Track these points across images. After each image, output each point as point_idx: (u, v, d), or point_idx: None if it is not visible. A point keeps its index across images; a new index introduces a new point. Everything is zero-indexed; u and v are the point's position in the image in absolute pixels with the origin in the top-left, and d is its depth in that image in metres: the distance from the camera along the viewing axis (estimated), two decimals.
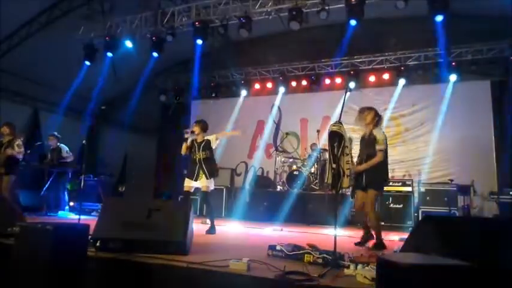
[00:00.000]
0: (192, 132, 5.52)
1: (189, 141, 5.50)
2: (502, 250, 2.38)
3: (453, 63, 8.71)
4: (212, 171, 5.52)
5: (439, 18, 6.57)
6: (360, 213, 4.95)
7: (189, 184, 5.49)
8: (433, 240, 2.54)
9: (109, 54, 8.37)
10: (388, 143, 4.61)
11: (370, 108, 4.65)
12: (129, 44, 8.26)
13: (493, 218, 6.03)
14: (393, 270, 1.68)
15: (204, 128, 5.60)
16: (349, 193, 7.94)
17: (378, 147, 4.40)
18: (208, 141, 5.51)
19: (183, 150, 5.56)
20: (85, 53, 8.43)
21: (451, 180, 7.62)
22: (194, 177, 5.46)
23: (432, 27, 7.33)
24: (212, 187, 5.58)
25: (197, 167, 5.45)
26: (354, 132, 4.76)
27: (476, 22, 8.14)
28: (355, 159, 4.57)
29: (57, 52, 8.57)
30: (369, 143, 4.50)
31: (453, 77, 8.76)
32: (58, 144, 7.68)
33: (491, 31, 8.10)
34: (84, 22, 8.45)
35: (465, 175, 7.96)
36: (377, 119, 4.56)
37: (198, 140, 5.52)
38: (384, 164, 4.51)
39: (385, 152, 4.49)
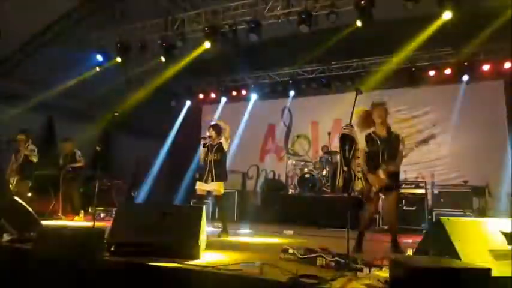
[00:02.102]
0: (210, 137, 5.57)
1: (206, 147, 5.58)
2: None
3: (465, 63, 8.62)
4: (221, 174, 5.53)
5: (448, 16, 6.52)
6: (370, 219, 4.80)
7: (201, 187, 5.54)
8: (447, 243, 2.52)
9: (121, 60, 8.49)
10: None
11: (384, 104, 4.39)
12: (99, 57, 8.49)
13: (504, 220, 5.92)
14: (407, 273, 1.68)
15: (219, 131, 5.63)
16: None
17: (401, 147, 4.27)
18: (221, 144, 5.56)
19: (202, 157, 5.64)
20: (97, 60, 8.59)
21: (466, 182, 7.52)
22: (204, 179, 5.50)
23: (443, 27, 7.26)
24: (223, 190, 5.59)
25: (207, 169, 5.50)
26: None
27: (488, 21, 8.03)
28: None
29: (70, 60, 8.74)
30: (390, 142, 4.25)
31: (465, 77, 8.66)
32: (74, 149, 7.82)
33: (503, 30, 7.97)
34: (95, 30, 8.61)
35: (480, 176, 7.84)
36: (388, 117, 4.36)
37: (214, 143, 5.58)
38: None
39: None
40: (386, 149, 4.25)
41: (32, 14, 7.94)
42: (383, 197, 4.42)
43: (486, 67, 8.47)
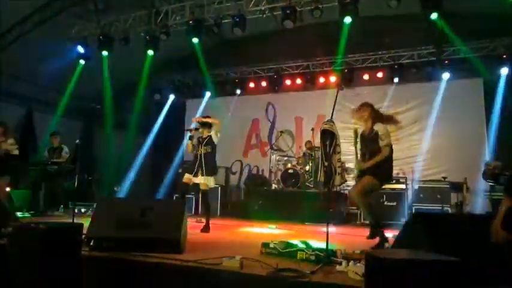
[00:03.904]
0: (196, 129, 5.55)
1: (194, 140, 5.56)
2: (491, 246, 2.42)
3: (446, 61, 8.79)
4: (211, 168, 5.50)
5: (434, 15, 6.63)
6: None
7: (189, 177, 5.49)
8: (423, 237, 2.58)
9: (104, 53, 8.34)
10: None
11: (365, 105, 4.52)
12: (81, 49, 8.37)
13: (483, 215, 6.09)
14: (380, 265, 1.72)
15: (209, 126, 5.62)
16: (343, 191, 8.07)
17: (381, 142, 4.22)
18: (211, 137, 5.55)
19: (189, 149, 5.62)
20: (79, 52, 8.42)
21: (444, 178, 7.69)
22: (194, 172, 5.47)
23: (425, 25, 7.39)
24: (211, 185, 5.56)
25: (197, 162, 5.47)
26: (358, 129, 4.57)
27: (469, 20, 8.22)
28: (344, 157, 4.46)
29: (50, 51, 8.53)
30: (370, 139, 4.33)
31: (446, 75, 8.85)
32: (61, 144, 7.68)
33: (484, 29, 8.18)
34: (78, 21, 8.42)
35: (458, 172, 8.03)
36: (373, 114, 4.43)
37: (203, 136, 5.57)
38: (389, 159, 4.32)
39: (390, 146, 4.31)
40: (365, 146, 4.41)
41: (11, 3, 7.71)
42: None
43: (465, 65, 8.65)
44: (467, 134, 8.52)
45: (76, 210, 6.02)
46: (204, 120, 5.65)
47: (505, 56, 8.31)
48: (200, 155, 5.46)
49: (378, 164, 4.22)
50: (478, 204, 7.87)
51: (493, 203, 7.22)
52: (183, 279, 2.89)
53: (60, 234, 2.67)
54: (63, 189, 7.70)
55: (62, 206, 7.57)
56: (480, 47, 8.48)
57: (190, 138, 5.58)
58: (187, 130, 5.68)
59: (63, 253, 2.63)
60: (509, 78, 8.40)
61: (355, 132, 4.54)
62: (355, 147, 4.52)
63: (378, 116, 4.45)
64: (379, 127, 4.32)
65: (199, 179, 5.45)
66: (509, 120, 8.05)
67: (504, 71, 8.39)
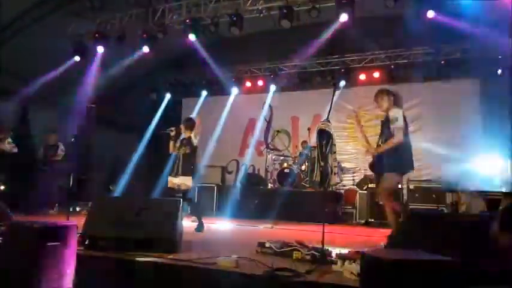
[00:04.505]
0: (176, 130, 5.58)
1: (178, 141, 5.60)
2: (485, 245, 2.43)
3: (442, 62, 8.82)
4: (188, 168, 5.51)
5: (431, 14, 6.64)
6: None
7: (172, 181, 5.53)
8: (418, 237, 2.59)
9: (99, 50, 8.30)
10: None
11: (381, 92, 4.39)
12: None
13: (478, 214, 6.13)
14: (376, 265, 1.72)
15: (190, 126, 5.65)
16: (339, 190, 8.09)
17: (392, 126, 4.05)
18: (190, 137, 5.58)
19: (171, 149, 5.67)
20: (75, 49, 8.38)
21: (440, 178, 7.72)
22: (174, 173, 5.51)
23: (422, 25, 7.40)
24: (190, 184, 5.53)
25: (176, 163, 5.53)
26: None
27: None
28: (340, 157, 4.42)
29: (46, 48, 8.48)
30: (385, 125, 4.23)
31: (442, 76, 8.87)
32: (58, 142, 7.65)
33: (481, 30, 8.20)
34: (74, 18, 8.37)
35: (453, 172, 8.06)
36: (392, 98, 4.28)
37: (184, 137, 5.62)
38: (404, 146, 4.10)
39: (404, 130, 4.10)
40: (381, 131, 4.34)
41: (7, 1, 7.66)
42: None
43: (462, 65, 8.69)
44: (463, 134, 8.54)
45: (71, 209, 5.99)
46: (186, 118, 5.73)
47: (500, 57, 8.34)
48: (180, 155, 5.52)
49: (394, 156, 4.00)
50: (473, 204, 7.90)
51: (489, 203, 7.25)
52: (179, 278, 2.89)
53: (54, 233, 2.65)
54: (58, 187, 7.66)
55: (57, 204, 7.53)
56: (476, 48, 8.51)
57: (171, 138, 5.64)
58: (169, 130, 5.67)
59: (57, 252, 2.62)
60: (505, 78, 8.44)
61: (357, 116, 4.47)
62: (362, 133, 4.47)
63: (396, 101, 4.31)
64: (392, 111, 4.18)
65: (178, 180, 5.48)
66: (504, 122, 8.09)
67: (500, 71, 8.43)
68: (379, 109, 4.50)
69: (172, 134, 5.61)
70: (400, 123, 4.05)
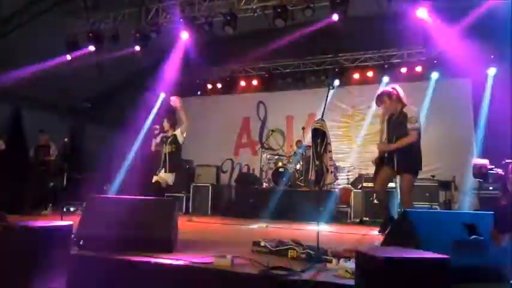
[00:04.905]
0: (162, 128, 5.57)
1: (158, 138, 5.58)
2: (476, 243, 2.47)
3: (435, 61, 8.89)
4: (174, 165, 5.49)
5: (421, 13, 6.69)
6: (380, 193, 4.67)
7: (161, 176, 5.50)
8: (412, 235, 2.61)
9: (91, 48, 8.25)
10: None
11: (382, 94, 4.46)
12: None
13: (471, 212, 6.19)
14: (370, 263, 1.74)
15: (173, 124, 5.62)
16: (334, 189, 8.12)
17: (409, 125, 4.05)
18: (175, 136, 5.53)
19: (153, 147, 5.66)
20: (68, 48, 8.32)
21: (433, 176, 7.78)
22: (160, 170, 5.49)
23: (415, 24, 7.44)
24: (170, 182, 5.51)
25: (162, 161, 5.50)
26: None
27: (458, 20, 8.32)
28: (335, 156, 4.41)
29: (39, 48, 8.42)
30: (397, 122, 4.21)
31: (435, 75, 8.95)
32: (49, 142, 7.60)
33: (473, 29, 8.27)
34: (67, 17, 8.32)
35: (447, 171, 8.14)
36: (394, 97, 4.32)
37: (168, 135, 5.58)
38: (418, 146, 4.15)
39: (419, 132, 4.14)
40: (393, 128, 4.34)
41: None
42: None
43: (454, 65, 8.76)
44: (455, 133, 8.63)
45: (65, 209, 5.95)
46: (169, 116, 5.68)
47: (492, 57, 8.43)
48: (165, 154, 5.49)
49: (412, 157, 4.07)
50: (466, 202, 7.99)
51: (481, 201, 7.34)
52: (174, 278, 2.89)
53: (49, 234, 2.64)
54: (52, 187, 7.61)
55: (50, 205, 7.48)
56: (468, 47, 8.58)
57: (155, 136, 5.61)
58: (154, 128, 5.66)
59: (52, 253, 2.60)
60: (497, 78, 8.53)
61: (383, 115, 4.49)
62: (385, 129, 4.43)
63: (399, 97, 4.37)
64: (408, 109, 4.20)
65: (160, 176, 5.45)
66: (496, 120, 8.17)
67: (492, 71, 8.52)
68: (385, 111, 4.52)
69: (156, 132, 5.59)
70: (419, 123, 4.13)
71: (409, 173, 4.12)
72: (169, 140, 5.53)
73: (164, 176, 5.44)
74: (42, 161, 7.45)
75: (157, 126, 5.63)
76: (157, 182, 5.49)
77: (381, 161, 4.35)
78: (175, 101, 5.46)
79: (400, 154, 4.12)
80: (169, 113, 5.88)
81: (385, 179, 4.41)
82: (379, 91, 4.62)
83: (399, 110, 4.31)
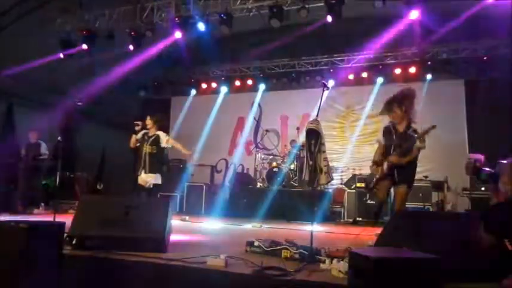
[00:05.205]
0: (144, 125, 5.45)
1: (139, 134, 5.44)
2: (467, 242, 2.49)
3: (429, 62, 8.95)
4: (155, 167, 5.38)
5: (414, 15, 6.73)
6: (382, 200, 4.77)
7: (140, 178, 5.40)
8: (405, 235, 2.63)
9: (84, 46, 8.19)
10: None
11: (390, 104, 4.42)
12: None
13: (463, 213, 6.24)
14: (363, 263, 1.75)
15: (158, 123, 5.52)
16: (327, 190, 8.14)
17: (420, 144, 4.18)
18: (158, 137, 5.42)
19: (132, 143, 5.49)
20: (61, 46, 8.25)
21: (426, 177, 7.83)
22: (138, 171, 5.38)
23: (408, 26, 7.50)
24: (157, 182, 5.42)
25: (142, 161, 5.37)
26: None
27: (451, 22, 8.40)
28: (329, 156, 4.40)
29: (32, 45, 8.34)
30: (406, 137, 4.27)
31: (429, 76, 9.01)
32: (38, 140, 7.51)
33: (466, 32, 8.35)
34: (61, 15, 8.24)
35: (439, 172, 8.19)
36: (404, 108, 4.30)
37: (150, 134, 5.45)
38: (416, 162, 4.39)
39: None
40: (400, 144, 4.32)
41: None
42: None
43: (448, 67, 8.85)
44: (448, 134, 8.68)
45: (57, 208, 5.90)
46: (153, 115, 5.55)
47: (485, 58, 8.51)
48: (145, 153, 5.36)
49: (412, 171, 4.31)
50: (458, 202, 8.06)
51: (473, 202, 7.40)
52: (167, 278, 2.88)
53: (41, 233, 2.62)
54: (44, 186, 7.56)
55: (43, 203, 7.43)
56: (462, 49, 8.68)
57: (135, 133, 5.47)
58: (135, 124, 5.52)
59: (44, 252, 2.58)
60: (489, 79, 8.60)
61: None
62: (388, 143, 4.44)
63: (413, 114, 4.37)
64: (421, 128, 4.27)
65: (146, 176, 5.34)
66: (489, 121, 8.25)
67: (484, 72, 8.60)
68: (391, 119, 4.49)
69: (137, 128, 5.45)
70: (425, 144, 4.20)
71: (408, 184, 4.33)
72: (151, 139, 5.40)
73: (150, 177, 5.33)
74: (34, 159, 7.36)
75: (139, 122, 5.47)
76: (141, 184, 5.38)
77: (389, 172, 4.38)
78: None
79: (403, 167, 4.28)
80: (155, 111, 5.75)
81: (388, 188, 4.52)
82: (389, 99, 4.53)
83: (407, 124, 4.35)
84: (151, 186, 5.37)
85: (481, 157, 6.35)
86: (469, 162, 6.65)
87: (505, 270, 2.34)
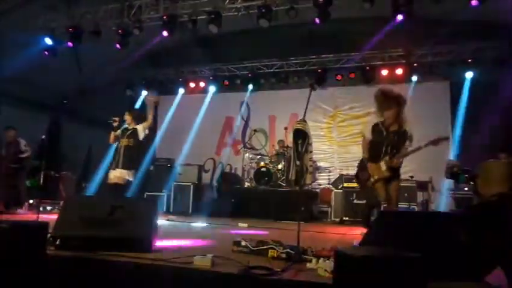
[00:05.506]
0: (122, 120, 5.42)
1: (118, 131, 5.41)
2: (453, 241, 2.53)
3: (415, 64, 9.09)
4: (128, 161, 5.29)
5: (400, 17, 6.82)
6: (371, 206, 4.83)
7: (111, 174, 5.32)
8: (391, 234, 2.66)
9: (70, 45, 8.06)
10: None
11: (389, 101, 4.41)
12: (48, 41, 8.03)
13: (446, 212, 6.35)
14: (348, 262, 1.77)
15: (137, 118, 5.48)
16: (315, 189, 8.20)
17: (408, 144, 4.35)
18: (136, 130, 5.38)
19: (111, 139, 5.45)
20: (46, 44, 8.11)
21: (412, 177, 7.94)
22: (114, 166, 5.30)
23: (396, 28, 7.59)
24: (130, 178, 5.35)
25: (117, 154, 5.33)
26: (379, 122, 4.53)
27: (438, 25, 8.56)
28: (316, 156, 4.45)
29: (17, 42, 8.18)
30: (399, 137, 4.39)
31: (415, 77, 9.14)
32: (17, 138, 7.35)
33: (451, 34, 8.51)
34: (46, 11, 8.10)
35: (424, 172, 8.31)
36: (403, 111, 4.36)
37: (128, 128, 5.44)
38: None
39: None
40: (392, 143, 4.37)
41: None
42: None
43: (433, 68, 9.00)
44: (433, 134, 8.79)
45: (41, 208, 5.81)
46: (132, 109, 5.50)
47: (470, 60, 8.67)
48: (121, 147, 5.31)
49: (400, 168, 4.43)
50: (443, 202, 8.19)
51: (457, 201, 7.54)
52: (153, 278, 2.86)
53: (24, 233, 2.57)
54: (27, 186, 7.41)
55: (26, 203, 7.29)
56: (448, 51, 8.83)
57: (114, 129, 5.42)
58: (112, 120, 5.47)
59: (27, 253, 2.54)
60: (474, 81, 8.78)
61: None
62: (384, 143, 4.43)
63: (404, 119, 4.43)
64: (407, 126, 4.39)
65: (117, 173, 5.26)
66: (473, 122, 8.42)
67: (469, 74, 8.76)
68: (384, 117, 4.48)
69: (115, 124, 5.40)
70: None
71: (398, 181, 4.52)
72: (129, 133, 5.35)
73: (122, 174, 5.23)
74: (14, 158, 7.19)
75: (117, 118, 5.42)
76: (112, 181, 5.27)
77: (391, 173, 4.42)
78: (155, 98, 5.35)
79: (398, 171, 4.49)
80: (133, 107, 5.67)
81: (385, 186, 4.53)
82: (387, 90, 4.53)
83: (400, 124, 4.40)
84: (121, 182, 5.25)
85: (457, 163, 6.52)
86: (447, 168, 6.82)
87: (487, 269, 2.39)
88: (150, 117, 5.47)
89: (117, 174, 5.24)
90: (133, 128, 5.38)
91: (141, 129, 5.36)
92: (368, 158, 4.49)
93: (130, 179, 5.33)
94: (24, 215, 6.71)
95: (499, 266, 2.34)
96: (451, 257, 2.46)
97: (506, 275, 2.27)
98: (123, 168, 5.22)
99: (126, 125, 5.43)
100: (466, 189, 7.36)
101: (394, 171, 4.42)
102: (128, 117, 5.43)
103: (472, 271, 2.38)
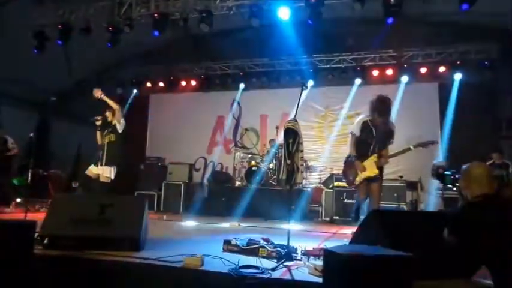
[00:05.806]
0: (103, 118, 5.38)
1: (106, 131, 5.39)
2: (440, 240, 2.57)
3: (405, 65, 9.17)
4: (110, 157, 5.28)
5: (390, 20, 6.87)
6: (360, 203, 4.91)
7: (92, 170, 5.29)
8: (380, 233, 2.68)
9: (60, 43, 7.96)
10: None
11: (389, 106, 4.49)
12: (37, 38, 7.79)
13: (435, 212, 6.42)
14: (337, 261, 1.78)
15: (113, 112, 5.44)
16: (307, 189, 8.22)
17: (392, 140, 4.47)
18: (115, 125, 5.37)
19: (99, 140, 5.42)
20: (35, 41, 7.99)
21: (401, 177, 8.01)
22: (97, 163, 5.29)
23: (386, 29, 7.65)
24: (110, 175, 5.32)
25: (101, 152, 5.31)
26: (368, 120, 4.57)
27: (427, 27, 8.66)
28: (306, 155, 4.49)
29: (4, 39, 8.06)
30: (385, 135, 4.45)
31: (405, 78, 9.22)
32: (4, 136, 7.24)
33: (440, 36, 8.62)
34: (35, 8, 7.99)
35: (413, 172, 8.40)
36: (381, 108, 4.39)
37: (111, 124, 5.42)
38: None
39: None
40: (379, 141, 4.42)
41: None
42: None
43: (423, 70, 9.09)
44: (422, 135, 8.88)
45: (29, 207, 5.73)
46: (103, 98, 5.36)
47: (459, 62, 8.78)
48: (104, 144, 5.31)
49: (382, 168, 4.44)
50: (431, 202, 8.28)
51: (445, 202, 7.62)
52: (144, 277, 2.84)
53: (11, 232, 2.54)
54: (14, 184, 7.31)
55: (13, 202, 7.19)
56: (437, 53, 8.94)
57: (97, 129, 5.41)
58: (94, 119, 5.45)
59: (14, 252, 2.51)
60: (462, 83, 8.89)
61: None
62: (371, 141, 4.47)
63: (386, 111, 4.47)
64: (392, 125, 4.46)
65: (99, 170, 5.24)
66: (461, 123, 8.53)
67: (458, 76, 8.87)
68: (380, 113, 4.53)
69: (98, 123, 5.37)
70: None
71: (380, 183, 4.56)
72: (110, 129, 5.35)
73: (103, 171, 5.20)
74: (1, 156, 7.07)
75: (99, 117, 5.39)
76: (90, 174, 5.27)
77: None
78: (96, 92, 5.29)
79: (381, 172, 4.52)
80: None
81: (366, 187, 4.63)
82: (384, 101, 4.52)
83: (385, 122, 4.45)
84: (102, 180, 5.23)
85: (443, 165, 6.61)
86: (432, 169, 6.91)
87: (473, 268, 2.43)
88: (112, 103, 5.37)
89: (99, 172, 5.23)
90: (112, 123, 5.38)
91: (117, 122, 5.35)
92: (355, 156, 4.53)
93: (111, 176, 5.30)
94: (11, 213, 6.60)
95: (485, 266, 2.38)
96: (438, 256, 2.49)
97: (491, 274, 2.31)
98: (105, 165, 5.21)
99: (106, 122, 5.39)
100: (454, 189, 7.44)
101: (380, 170, 4.47)
102: (108, 114, 5.43)
103: (459, 271, 2.42)
